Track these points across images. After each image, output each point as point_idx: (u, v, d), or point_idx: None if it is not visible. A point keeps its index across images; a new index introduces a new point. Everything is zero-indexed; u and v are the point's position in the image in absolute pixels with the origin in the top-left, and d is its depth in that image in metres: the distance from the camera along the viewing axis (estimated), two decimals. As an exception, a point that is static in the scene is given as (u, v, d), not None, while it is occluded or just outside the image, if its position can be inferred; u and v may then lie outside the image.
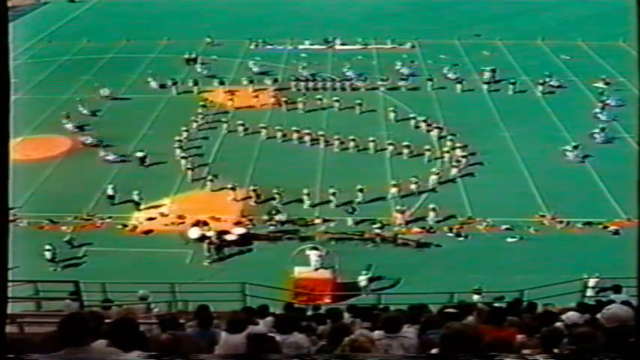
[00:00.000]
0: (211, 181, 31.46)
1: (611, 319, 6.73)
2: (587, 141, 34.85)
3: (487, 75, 43.70)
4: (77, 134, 36.84)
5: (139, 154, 34.13)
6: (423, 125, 37.28)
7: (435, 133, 36.38)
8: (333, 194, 29.48)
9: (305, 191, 29.74)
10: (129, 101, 41.86)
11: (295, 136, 35.95)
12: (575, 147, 33.64)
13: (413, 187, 30.51)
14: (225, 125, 37.63)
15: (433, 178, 31.42)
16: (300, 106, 40.07)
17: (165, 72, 45.04)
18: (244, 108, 40.19)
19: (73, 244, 26.39)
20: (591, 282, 21.09)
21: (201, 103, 40.43)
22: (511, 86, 42.57)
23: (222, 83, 43.73)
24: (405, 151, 34.10)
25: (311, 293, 22.12)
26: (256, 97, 41.53)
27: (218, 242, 26.42)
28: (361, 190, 29.53)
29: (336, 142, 34.99)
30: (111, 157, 34.17)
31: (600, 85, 42.11)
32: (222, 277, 22.65)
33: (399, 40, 51.54)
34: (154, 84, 43.61)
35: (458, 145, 34.52)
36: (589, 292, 19.85)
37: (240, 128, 36.96)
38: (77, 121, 38.00)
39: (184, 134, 36.08)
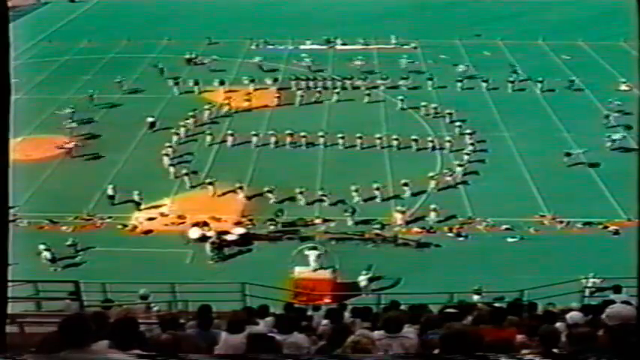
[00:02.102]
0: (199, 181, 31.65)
1: (614, 317, 6.74)
2: (588, 142, 34.72)
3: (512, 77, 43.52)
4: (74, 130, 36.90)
5: (150, 119, 35.40)
6: (432, 113, 38.37)
7: (447, 119, 37.50)
8: (378, 189, 29.94)
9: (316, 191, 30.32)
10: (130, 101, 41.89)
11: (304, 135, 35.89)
12: (568, 154, 33.38)
13: (448, 179, 31.13)
14: (225, 127, 37.58)
15: (459, 170, 32.00)
16: (304, 103, 40.49)
17: (166, 72, 45.01)
18: (246, 109, 40.17)
19: (76, 247, 26.16)
20: (589, 282, 21.07)
21: (206, 106, 40.12)
22: (510, 85, 42.62)
23: (222, 83, 43.66)
24: (413, 144, 34.56)
25: (311, 293, 22.07)
26: (278, 97, 41.32)
27: (218, 242, 26.44)
28: (406, 184, 30.08)
29: (340, 141, 35.05)
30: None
31: (624, 87, 41.41)
32: (223, 277, 22.62)
33: (400, 40, 51.55)
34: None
35: (467, 131, 35.47)
36: (587, 292, 19.82)
37: (244, 129, 36.66)
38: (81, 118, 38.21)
39: (182, 129, 36.39)
